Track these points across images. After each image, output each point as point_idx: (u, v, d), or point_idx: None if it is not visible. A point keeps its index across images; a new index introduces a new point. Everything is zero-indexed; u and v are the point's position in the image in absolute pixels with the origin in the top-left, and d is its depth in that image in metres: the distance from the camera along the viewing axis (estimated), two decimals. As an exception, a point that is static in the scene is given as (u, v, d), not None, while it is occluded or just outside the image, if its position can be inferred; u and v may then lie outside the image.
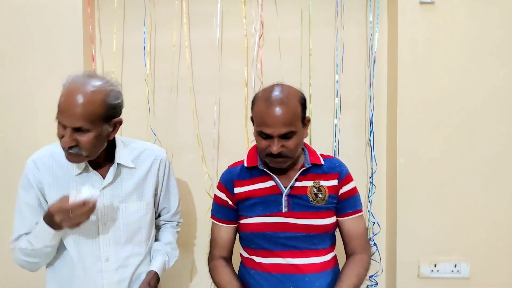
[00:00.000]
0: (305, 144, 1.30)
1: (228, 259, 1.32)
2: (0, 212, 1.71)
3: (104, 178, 1.23)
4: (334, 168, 1.28)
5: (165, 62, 1.78)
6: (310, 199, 1.23)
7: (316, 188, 1.24)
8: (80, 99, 1.08)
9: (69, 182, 1.22)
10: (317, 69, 1.77)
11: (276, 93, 1.17)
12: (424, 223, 1.68)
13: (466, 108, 1.65)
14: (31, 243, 1.17)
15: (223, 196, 1.29)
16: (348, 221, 1.28)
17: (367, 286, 1.78)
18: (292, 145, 1.16)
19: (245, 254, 1.31)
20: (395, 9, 1.67)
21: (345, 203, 1.27)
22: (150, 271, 1.28)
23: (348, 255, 1.30)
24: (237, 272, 1.33)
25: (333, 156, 1.33)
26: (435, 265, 1.68)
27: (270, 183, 1.25)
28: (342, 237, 1.31)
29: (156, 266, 1.30)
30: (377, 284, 1.78)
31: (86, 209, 1.09)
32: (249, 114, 1.27)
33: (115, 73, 1.77)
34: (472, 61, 1.64)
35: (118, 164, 1.24)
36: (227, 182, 1.29)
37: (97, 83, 1.13)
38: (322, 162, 1.27)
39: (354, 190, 1.30)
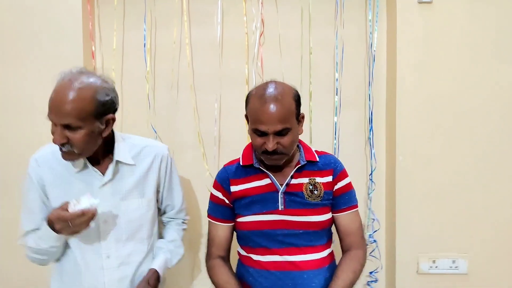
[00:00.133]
0: (300, 141, 1.30)
1: (226, 258, 1.32)
2: (1, 208, 1.70)
3: (104, 175, 1.22)
4: (329, 165, 1.28)
5: (166, 60, 1.78)
6: (306, 196, 1.24)
7: (311, 185, 1.25)
8: (68, 96, 1.07)
9: (69, 179, 1.21)
10: (317, 67, 1.78)
11: (270, 90, 1.16)
12: (423, 220, 1.70)
13: (464, 105, 1.68)
14: (38, 243, 1.19)
15: (219, 195, 1.29)
16: (344, 217, 1.28)
17: (367, 282, 1.80)
18: (288, 142, 1.17)
19: (243, 252, 1.31)
20: (394, 8, 1.69)
21: (340, 199, 1.28)
22: (150, 269, 1.27)
23: (344, 251, 1.30)
24: (234, 270, 1.33)
25: (328, 152, 1.33)
26: (433, 261, 1.70)
27: (266, 181, 1.25)
28: (338, 233, 1.31)
29: (157, 264, 1.29)
30: (377, 280, 1.79)
31: (84, 219, 1.09)
32: (249, 112, 1.27)
33: (115, 71, 1.77)
34: (470, 60, 1.67)
35: (117, 161, 1.23)
36: (223, 180, 1.29)
37: (87, 79, 1.11)
38: (317, 159, 1.28)
39: (349, 186, 1.30)
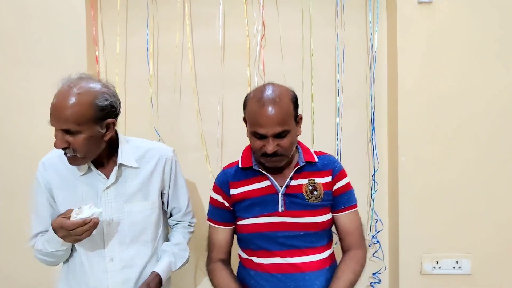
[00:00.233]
0: (298, 142, 1.30)
1: (227, 261, 1.32)
2: (5, 209, 1.73)
3: (108, 178, 1.24)
4: (328, 165, 1.28)
5: (168, 63, 1.80)
6: (306, 197, 1.23)
7: (311, 185, 1.24)
8: (67, 101, 1.09)
9: (75, 183, 1.23)
10: (318, 69, 1.79)
11: (268, 93, 1.16)
12: (426, 221, 1.69)
13: (465, 105, 1.67)
14: (45, 246, 1.21)
15: (219, 198, 1.29)
16: (343, 217, 1.28)
17: (370, 283, 1.80)
18: (287, 144, 1.17)
19: (244, 255, 1.30)
20: (394, 9, 1.70)
21: (340, 199, 1.27)
22: (152, 272, 1.27)
23: (344, 251, 1.30)
24: (235, 273, 1.33)
25: (327, 152, 1.33)
26: (437, 262, 1.70)
27: (266, 183, 1.25)
28: (338, 233, 1.30)
29: (160, 267, 1.28)
30: (380, 281, 1.79)
31: (85, 228, 1.11)
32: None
33: (119, 75, 1.79)
34: (471, 60, 1.67)
35: (120, 164, 1.25)
36: (223, 183, 1.29)
37: (86, 85, 1.14)
38: (316, 160, 1.28)
39: (348, 185, 1.29)
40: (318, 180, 1.26)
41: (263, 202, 1.24)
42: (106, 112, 1.16)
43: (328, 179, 1.26)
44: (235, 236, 1.34)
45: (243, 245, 1.31)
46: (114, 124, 1.19)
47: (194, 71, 1.80)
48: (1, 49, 1.71)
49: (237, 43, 1.79)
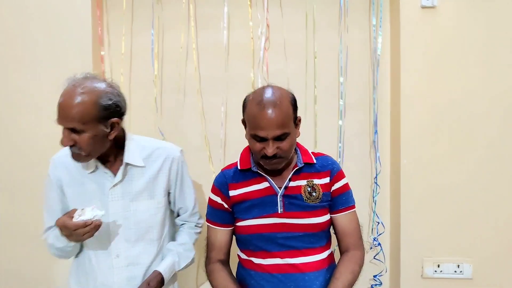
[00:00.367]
0: (297, 144, 1.30)
1: (225, 262, 1.32)
2: (14, 206, 1.75)
3: (115, 176, 1.25)
4: (326, 166, 1.28)
5: (173, 64, 1.81)
6: (304, 198, 1.24)
7: (309, 187, 1.25)
8: (71, 101, 1.12)
9: (83, 180, 1.26)
10: (321, 71, 1.80)
11: (268, 95, 1.16)
12: (428, 224, 1.70)
13: (468, 109, 1.68)
14: (55, 241, 1.24)
15: (218, 199, 1.29)
16: (341, 218, 1.28)
17: (371, 285, 1.80)
18: (287, 146, 1.17)
19: (243, 256, 1.30)
20: (397, 13, 1.71)
21: (338, 200, 1.27)
22: (154, 271, 1.28)
23: (342, 252, 1.30)
24: (235, 273, 1.33)
25: (325, 154, 1.34)
26: (438, 266, 1.70)
27: (265, 185, 1.25)
28: (336, 233, 1.30)
29: (162, 266, 1.29)
30: (381, 283, 1.79)
31: (86, 230, 1.13)
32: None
33: (124, 75, 1.80)
34: (474, 64, 1.68)
35: (126, 163, 1.26)
36: (222, 185, 1.29)
37: (90, 84, 1.15)
38: (314, 161, 1.28)
39: (346, 186, 1.29)
40: (317, 181, 1.26)
41: (262, 204, 1.24)
42: (110, 111, 1.17)
43: (327, 180, 1.27)
44: (234, 237, 1.34)
45: (242, 246, 1.31)
46: (118, 123, 1.21)
47: (198, 72, 1.81)
48: (8, 49, 1.73)
49: (241, 44, 1.80)
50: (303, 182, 1.25)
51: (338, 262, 1.28)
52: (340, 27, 1.79)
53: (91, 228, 1.13)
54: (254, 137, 1.18)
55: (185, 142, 1.80)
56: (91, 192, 1.25)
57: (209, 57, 1.82)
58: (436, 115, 1.69)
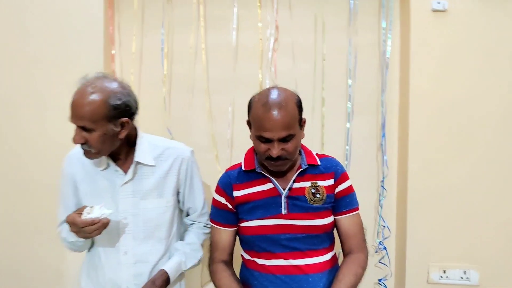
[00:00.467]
0: (301, 145, 1.31)
1: (229, 263, 1.32)
2: (20, 204, 1.77)
3: (126, 174, 1.28)
4: (330, 168, 1.28)
5: (182, 64, 1.83)
6: (308, 199, 1.24)
7: (314, 188, 1.25)
8: (82, 99, 1.15)
9: (96, 177, 1.29)
10: (330, 74, 1.80)
11: (274, 97, 1.16)
12: (434, 229, 1.68)
13: (477, 114, 1.66)
14: (67, 236, 1.28)
15: (222, 200, 1.30)
16: (345, 220, 1.28)
17: (376, 289, 1.79)
18: (292, 148, 1.17)
19: (247, 256, 1.31)
20: (407, 16, 1.70)
21: (341, 202, 1.28)
22: (160, 270, 1.29)
23: (345, 254, 1.30)
24: (238, 274, 1.34)
25: (330, 155, 1.34)
26: (444, 271, 1.68)
27: (269, 186, 1.26)
28: (339, 235, 1.31)
29: (168, 265, 1.31)
30: (386, 287, 1.78)
31: (94, 228, 1.16)
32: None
33: (134, 74, 1.82)
34: (483, 67, 1.66)
35: (137, 162, 1.28)
36: (226, 185, 1.30)
37: (101, 84, 1.18)
38: (319, 162, 1.28)
39: (350, 188, 1.30)
40: (321, 183, 1.26)
41: (266, 205, 1.25)
42: (120, 111, 1.19)
43: (331, 181, 1.27)
44: (238, 237, 1.35)
45: (246, 247, 1.32)
46: (128, 123, 1.23)
47: (207, 72, 1.83)
48: (21, 49, 1.76)
49: (250, 45, 1.81)
50: (307, 184, 1.26)
51: (341, 264, 1.28)
52: (349, 29, 1.79)
53: (99, 226, 1.16)
54: (259, 138, 1.18)
55: (192, 142, 1.80)
56: (103, 189, 1.28)
57: (218, 57, 1.83)
58: (445, 119, 1.67)
